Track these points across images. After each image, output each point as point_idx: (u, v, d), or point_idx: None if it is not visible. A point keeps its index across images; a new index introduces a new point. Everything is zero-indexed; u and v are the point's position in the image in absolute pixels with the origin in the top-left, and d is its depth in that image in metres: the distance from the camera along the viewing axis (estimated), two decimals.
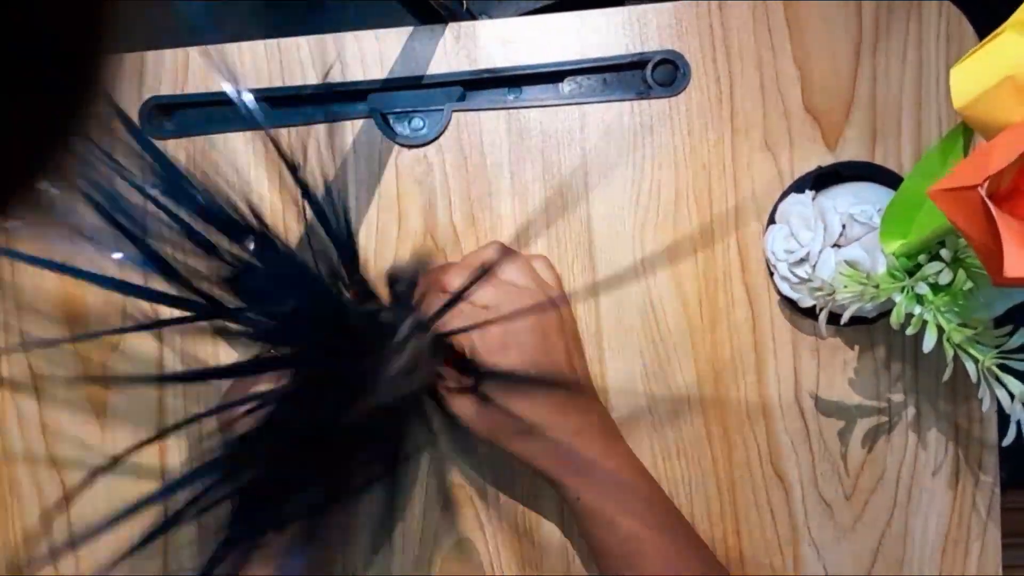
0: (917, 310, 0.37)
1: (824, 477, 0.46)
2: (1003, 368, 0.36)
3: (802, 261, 0.42)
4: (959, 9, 0.45)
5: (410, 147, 0.48)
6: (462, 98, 0.48)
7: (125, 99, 0.48)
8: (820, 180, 0.45)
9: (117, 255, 0.32)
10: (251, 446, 0.35)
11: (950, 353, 0.37)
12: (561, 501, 0.47)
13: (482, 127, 0.47)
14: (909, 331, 0.38)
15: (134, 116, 0.48)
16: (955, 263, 0.36)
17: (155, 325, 0.44)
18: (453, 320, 0.39)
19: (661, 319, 0.47)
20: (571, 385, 0.41)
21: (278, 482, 0.35)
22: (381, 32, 0.48)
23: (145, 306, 0.41)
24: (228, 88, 0.38)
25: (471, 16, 0.51)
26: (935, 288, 0.37)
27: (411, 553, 0.47)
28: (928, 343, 0.37)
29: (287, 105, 0.48)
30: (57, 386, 0.48)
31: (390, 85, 0.48)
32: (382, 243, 0.48)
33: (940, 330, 0.37)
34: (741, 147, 0.46)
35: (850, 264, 0.40)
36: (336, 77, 0.48)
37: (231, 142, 0.48)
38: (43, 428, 0.48)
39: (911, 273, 0.38)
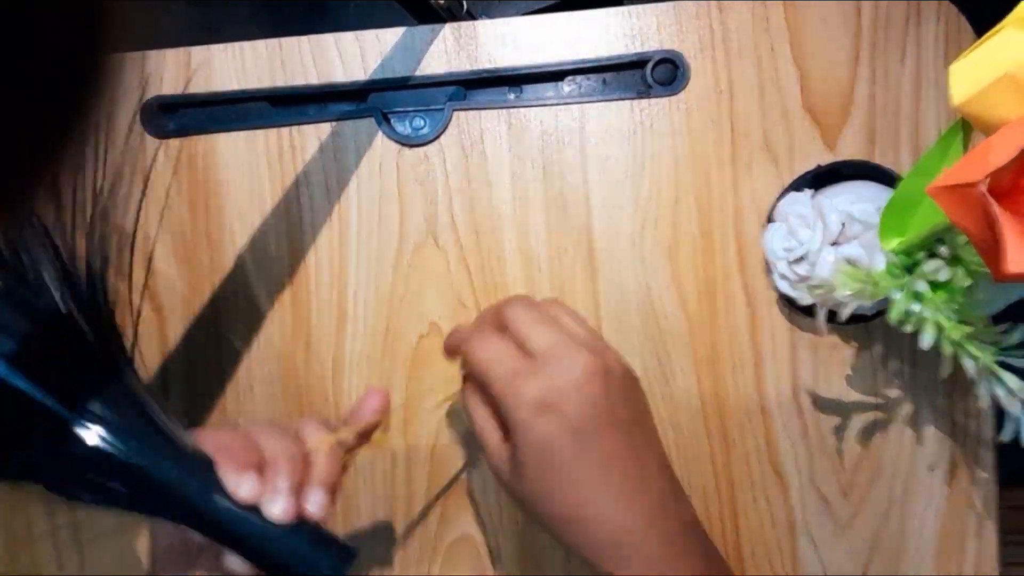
0: (916, 307, 0.38)
1: (822, 473, 0.46)
2: (1002, 365, 0.36)
3: (801, 259, 0.42)
4: (958, 9, 0.46)
5: (411, 146, 0.48)
6: (463, 97, 0.48)
7: (127, 99, 0.48)
8: (819, 179, 0.45)
9: None
10: None
11: (948, 351, 0.37)
12: None
13: (483, 126, 0.48)
14: (907, 329, 0.38)
15: (135, 116, 0.48)
16: (953, 260, 0.37)
17: None
18: (491, 365, 0.33)
19: (661, 318, 0.47)
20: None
21: None
22: (381, 32, 0.48)
23: None
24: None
25: (471, 17, 0.52)
26: (934, 285, 0.37)
27: (412, 551, 0.47)
28: (926, 340, 0.37)
29: (287, 105, 0.49)
30: None
31: (391, 84, 0.48)
32: (383, 242, 0.48)
33: (939, 327, 0.37)
34: (741, 146, 0.47)
35: (849, 262, 0.40)
36: (337, 77, 0.48)
37: (233, 141, 0.48)
38: None
39: (910, 271, 0.38)
